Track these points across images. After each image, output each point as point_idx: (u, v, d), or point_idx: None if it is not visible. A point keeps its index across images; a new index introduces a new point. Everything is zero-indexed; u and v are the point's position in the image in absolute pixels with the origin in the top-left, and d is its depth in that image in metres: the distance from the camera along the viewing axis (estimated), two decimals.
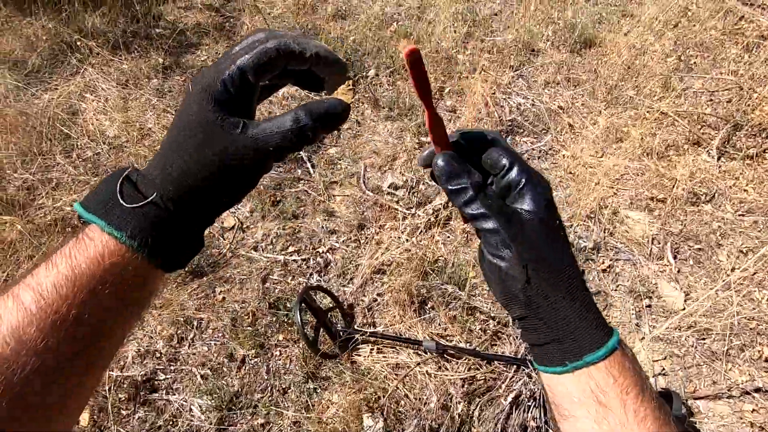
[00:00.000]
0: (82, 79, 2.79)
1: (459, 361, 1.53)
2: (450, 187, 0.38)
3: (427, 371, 1.51)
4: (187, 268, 1.82)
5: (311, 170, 2.28)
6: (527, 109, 2.55)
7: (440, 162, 0.39)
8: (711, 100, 2.49)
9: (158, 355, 1.59)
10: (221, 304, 1.73)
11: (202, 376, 1.54)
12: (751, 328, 1.57)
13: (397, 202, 2.09)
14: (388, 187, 2.15)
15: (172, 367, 1.57)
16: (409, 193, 2.12)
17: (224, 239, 1.98)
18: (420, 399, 1.47)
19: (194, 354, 1.61)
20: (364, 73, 2.86)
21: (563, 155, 2.30)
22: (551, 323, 0.36)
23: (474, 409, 1.40)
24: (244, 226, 2.04)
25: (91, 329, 0.32)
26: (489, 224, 0.37)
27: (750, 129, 2.27)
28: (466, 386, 1.45)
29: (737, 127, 2.30)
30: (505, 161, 0.39)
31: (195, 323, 1.68)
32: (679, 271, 1.79)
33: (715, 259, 1.80)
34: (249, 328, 1.65)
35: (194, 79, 0.36)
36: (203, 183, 0.35)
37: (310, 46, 0.36)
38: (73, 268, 0.32)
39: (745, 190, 2.07)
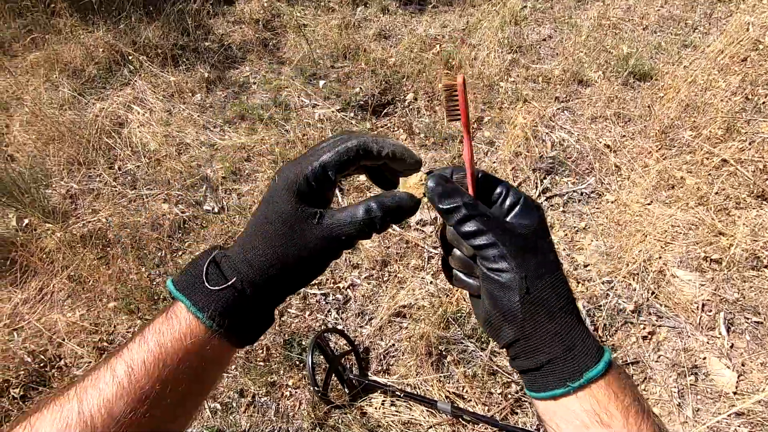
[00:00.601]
0: (132, 90, 2.91)
1: (475, 427, 1.43)
2: (443, 207, 0.38)
3: None
4: None
5: (340, 198, 2.24)
6: (571, 146, 2.41)
7: (431, 183, 0.39)
8: None
9: None
10: None
11: (211, 410, 1.53)
12: None
13: (424, 239, 2.01)
14: (416, 223, 2.08)
15: None
16: (437, 231, 2.04)
17: None
18: None
19: None
20: (402, 96, 2.81)
21: (607, 200, 2.14)
22: (548, 340, 0.36)
23: None
24: None
25: (169, 403, 0.36)
26: (485, 238, 0.37)
27: None
28: None
29: None
30: (501, 189, 0.40)
31: None
32: (732, 347, 1.61)
33: None
34: (261, 363, 1.62)
35: (280, 172, 0.39)
36: (280, 271, 0.38)
37: (387, 144, 0.39)
38: (160, 345, 0.36)
39: None
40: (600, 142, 2.40)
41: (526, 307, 0.36)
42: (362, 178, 2.30)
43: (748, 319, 1.67)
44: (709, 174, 2.13)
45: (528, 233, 0.38)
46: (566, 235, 2.02)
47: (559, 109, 2.61)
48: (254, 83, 2.99)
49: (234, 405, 1.55)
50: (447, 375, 1.55)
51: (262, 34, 3.36)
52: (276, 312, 0.38)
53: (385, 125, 2.65)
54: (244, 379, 1.59)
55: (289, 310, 1.80)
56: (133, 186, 2.33)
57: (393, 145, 0.39)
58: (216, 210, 2.20)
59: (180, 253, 2.01)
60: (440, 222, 0.41)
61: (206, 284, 0.37)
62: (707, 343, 1.62)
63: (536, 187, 2.20)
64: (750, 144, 2.29)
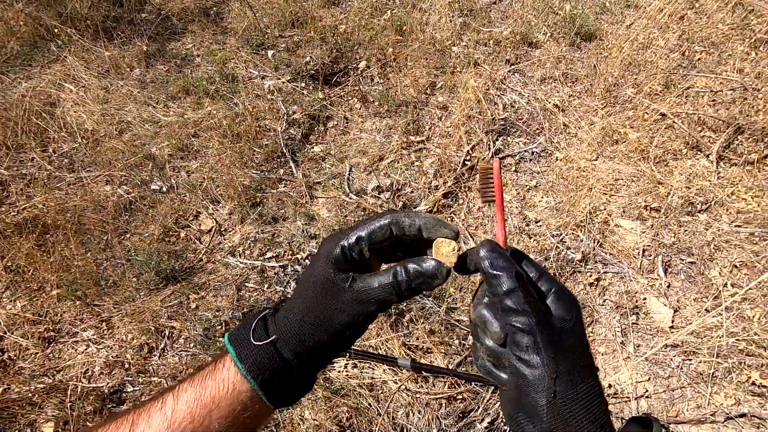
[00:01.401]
0: (62, 67, 2.69)
1: (437, 379, 1.48)
2: (493, 272, 0.38)
3: (403, 388, 1.47)
4: (162, 273, 1.77)
5: (294, 170, 2.20)
6: (521, 107, 2.45)
7: (485, 248, 0.39)
8: (713, 100, 2.38)
9: (127, 365, 1.55)
10: (194, 312, 1.68)
11: None
12: (740, 350, 1.51)
13: (381, 206, 2.01)
14: (373, 190, 2.07)
15: (140, 379, 1.53)
16: (393, 196, 2.05)
17: (201, 243, 1.92)
18: (394, 418, 1.42)
19: (164, 365, 1.57)
20: (354, 64, 2.74)
21: (556, 158, 2.21)
22: None
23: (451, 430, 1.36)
24: (222, 228, 1.97)
25: None
26: (523, 321, 0.35)
27: (752, 133, 2.17)
28: (444, 407, 1.41)
29: (739, 131, 2.21)
30: (536, 273, 0.40)
31: (167, 332, 1.64)
32: (669, 287, 1.73)
33: (707, 274, 1.73)
34: (221, 339, 1.60)
35: (322, 244, 0.43)
36: (315, 331, 0.41)
37: (419, 217, 0.41)
38: (204, 388, 0.40)
39: (743, 199, 1.98)
40: (549, 103, 2.45)
41: (552, 413, 0.34)
42: None
43: (683, 260, 1.79)
44: (650, 128, 2.23)
45: (565, 328, 0.36)
46: (518, 193, 2.08)
47: (509, 71, 2.64)
48: (198, 55, 2.83)
49: None
50: (407, 333, 1.59)
51: (203, 2, 3.17)
52: (294, 356, 0.39)
53: (338, 94, 2.60)
54: (203, 355, 1.57)
55: (246, 284, 1.77)
56: (71, 169, 2.18)
57: (425, 218, 0.41)
58: (164, 189, 2.10)
59: (128, 235, 1.93)
60: (472, 304, 0.41)
61: (251, 339, 0.41)
62: (647, 284, 1.74)
63: (489, 148, 2.23)
64: (686, 98, 2.41)
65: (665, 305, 1.67)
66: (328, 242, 0.42)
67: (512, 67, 2.68)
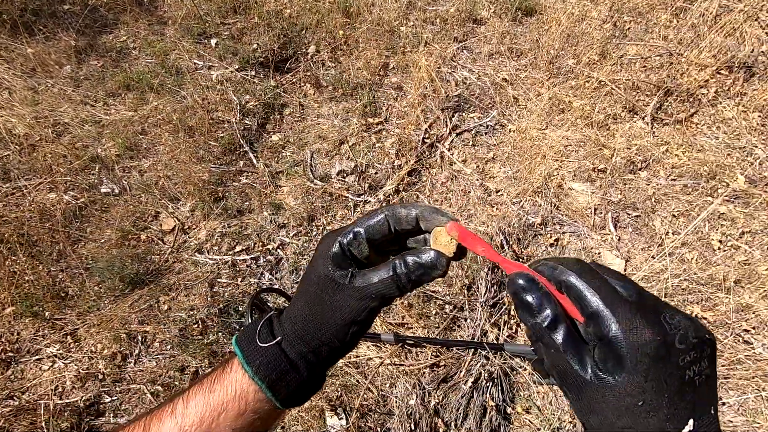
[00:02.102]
0: None
1: (420, 350, 1.54)
2: (534, 322, 0.33)
3: (389, 362, 1.52)
4: (126, 279, 1.69)
5: (254, 161, 2.15)
6: (473, 83, 2.53)
7: (520, 282, 0.34)
8: (644, 66, 2.57)
9: (101, 376, 1.49)
10: (167, 314, 1.63)
11: (152, 394, 1.46)
12: (683, 289, 1.69)
13: (347, 190, 2.03)
14: (338, 174, 2.08)
15: (118, 388, 1.48)
16: (359, 179, 2.06)
17: (164, 243, 1.85)
18: (382, 391, 1.47)
19: (142, 371, 1.52)
20: (304, 49, 2.70)
21: (510, 130, 2.31)
22: None
23: (439, 397, 1.43)
24: (186, 227, 1.91)
25: None
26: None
27: (679, 94, 2.38)
28: (428, 375, 1.48)
29: (668, 93, 2.41)
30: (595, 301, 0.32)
31: (140, 338, 1.58)
32: (619, 239, 1.89)
33: (651, 225, 1.91)
34: (199, 337, 1.57)
35: (322, 240, 0.42)
36: (318, 331, 0.41)
37: (415, 206, 0.41)
38: (212, 392, 0.40)
39: (676, 155, 2.18)
40: (498, 77, 2.54)
41: None
42: None
43: (629, 214, 1.96)
44: (591, 96, 2.38)
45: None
46: (478, 166, 2.16)
47: (458, 48, 2.70)
48: (134, 48, 2.66)
49: (177, 384, 1.50)
50: (386, 310, 1.63)
51: None
52: (300, 357, 0.41)
53: (290, 81, 2.55)
54: (183, 355, 1.53)
55: (219, 280, 1.74)
56: (6, 178, 2.01)
57: (421, 207, 0.41)
58: (116, 191, 1.99)
59: (82, 243, 1.82)
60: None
61: (257, 341, 0.41)
62: (600, 240, 1.88)
63: (446, 125, 2.30)
64: (620, 66, 2.59)
65: (617, 257, 1.82)
66: (325, 240, 0.42)
67: (460, 44, 2.74)
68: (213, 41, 2.67)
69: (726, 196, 1.96)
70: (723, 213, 1.91)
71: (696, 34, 2.56)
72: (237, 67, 2.53)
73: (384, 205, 1.94)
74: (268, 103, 2.39)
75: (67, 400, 1.43)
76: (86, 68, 2.54)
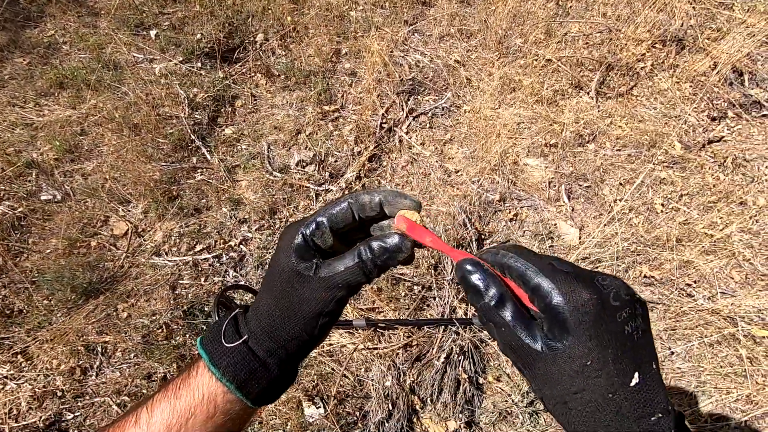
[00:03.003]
0: None
1: (393, 332, 1.56)
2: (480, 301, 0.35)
3: (363, 347, 1.53)
4: (78, 289, 1.60)
5: (208, 156, 2.07)
6: (426, 66, 2.54)
7: (467, 267, 0.36)
8: (587, 43, 2.67)
9: (59, 393, 1.41)
10: (127, 322, 1.56)
11: (119, 405, 1.40)
12: (632, 251, 1.81)
13: (308, 180, 2.00)
14: (297, 165, 2.04)
15: (80, 403, 1.40)
16: (319, 168, 2.04)
17: (117, 248, 1.76)
18: (358, 376, 1.49)
19: (105, 383, 1.45)
20: (252, 38, 2.60)
21: (464, 110, 2.35)
22: None
23: (414, 375, 1.46)
24: (139, 230, 1.82)
25: None
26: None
27: (620, 69, 2.50)
28: (402, 356, 1.50)
29: (610, 68, 2.52)
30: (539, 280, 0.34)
31: (99, 349, 1.51)
32: (573, 210, 1.98)
33: (601, 194, 2.01)
34: (165, 342, 1.52)
35: (284, 232, 0.41)
36: (285, 325, 0.40)
37: (379, 191, 0.40)
38: (178, 398, 0.39)
39: (619, 126, 2.30)
40: (450, 59, 2.57)
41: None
42: None
43: (581, 185, 2.06)
44: (539, 73, 2.46)
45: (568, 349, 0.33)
46: (436, 148, 2.19)
47: (409, 32, 2.70)
48: (65, 43, 2.47)
49: (144, 392, 1.45)
50: (355, 297, 1.64)
51: None
52: (273, 357, 0.40)
53: (240, 71, 2.46)
54: (148, 362, 1.47)
55: (181, 282, 1.68)
56: None
57: (384, 191, 0.40)
58: (59, 198, 1.86)
59: (25, 255, 1.69)
60: None
61: (223, 341, 0.39)
62: (556, 211, 1.97)
63: (403, 109, 2.30)
64: (565, 43, 2.68)
65: (572, 226, 1.91)
66: (287, 232, 0.41)
67: (411, 27, 2.74)
68: (153, 32, 2.52)
69: (665, 162, 2.10)
70: (664, 178, 2.05)
71: (632, 10, 2.69)
72: (181, 59, 2.41)
73: (347, 192, 1.94)
74: (217, 95, 2.30)
75: (25, 422, 1.34)
76: (11, 67, 2.34)
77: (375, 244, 0.38)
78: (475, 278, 0.35)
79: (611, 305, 0.31)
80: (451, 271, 1.66)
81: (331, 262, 0.39)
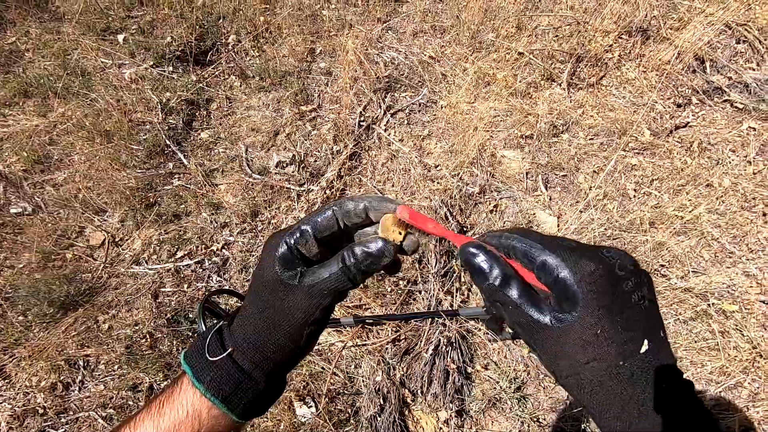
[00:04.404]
0: None
1: (381, 327, 1.57)
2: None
3: (352, 345, 1.54)
4: (56, 303, 1.55)
5: (185, 161, 2.04)
6: (401, 63, 2.56)
7: (470, 249, 0.37)
8: (557, 36, 2.74)
9: (41, 410, 1.37)
10: (109, 333, 1.53)
11: (104, 418, 1.37)
12: (607, 236, 1.87)
13: (288, 180, 1.99)
14: (276, 166, 2.03)
15: (63, 419, 1.37)
16: (299, 168, 2.03)
17: (95, 259, 1.72)
18: (349, 373, 1.50)
19: (88, 397, 1.41)
20: (224, 40, 2.57)
21: (441, 106, 2.38)
22: None
23: (404, 369, 1.48)
24: (117, 239, 1.78)
25: None
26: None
27: (589, 60, 2.57)
28: (391, 350, 1.52)
29: (579, 60, 2.59)
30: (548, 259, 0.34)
31: (81, 363, 1.47)
32: (551, 199, 2.03)
33: (576, 182, 2.07)
34: (149, 351, 1.49)
35: (267, 241, 0.41)
36: (271, 337, 0.39)
37: (363, 198, 0.40)
38: (161, 416, 0.38)
39: (591, 116, 2.37)
40: (425, 55, 2.59)
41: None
42: None
43: (557, 174, 2.11)
44: (512, 67, 2.50)
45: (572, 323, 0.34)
46: (415, 144, 2.21)
47: (383, 29, 2.71)
48: (27, 50, 2.39)
49: (131, 403, 1.42)
50: None
51: None
52: (252, 366, 0.39)
53: (213, 74, 2.42)
54: (133, 373, 1.45)
55: (163, 289, 1.65)
56: None
57: (368, 197, 0.40)
58: (29, 210, 1.80)
59: None
60: None
61: (207, 355, 0.39)
62: (534, 201, 2.02)
63: (380, 106, 2.31)
64: (536, 37, 2.74)
65: (551, 215, 1.96)
66: (271, 241, 0.40)
67: (384, 24, 2.75)
68: (120, 37, 2.46)
69: (636, 148, 2.17)
70: (635, 164, 2.12)
71: (598, 2, 2.76)
72: (152, 63, 2.36)
73: (328, 191, 1.93)
74: (191, 99, 2.26)
75: None
76: None
77: (358, 249, 0.38)
78: (479, 260, 0.35)
79: (617, 275, 0.32)
80: (435, 264, 1.68)
81: (315, 270, 0.39)
